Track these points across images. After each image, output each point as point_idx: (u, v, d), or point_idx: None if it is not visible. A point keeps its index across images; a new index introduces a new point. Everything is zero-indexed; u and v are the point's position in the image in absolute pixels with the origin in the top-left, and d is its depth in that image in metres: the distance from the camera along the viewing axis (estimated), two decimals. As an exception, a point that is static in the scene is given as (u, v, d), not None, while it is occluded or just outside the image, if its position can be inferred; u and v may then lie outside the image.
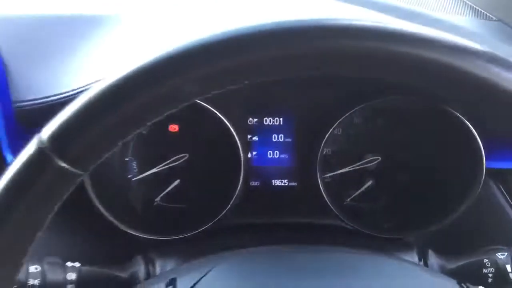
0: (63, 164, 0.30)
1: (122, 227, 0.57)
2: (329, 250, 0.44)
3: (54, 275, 0.47)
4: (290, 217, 0.68)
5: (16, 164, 0.31)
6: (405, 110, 0.66)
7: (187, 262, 0.48)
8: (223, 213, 0.62)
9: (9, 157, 0.53)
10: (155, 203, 0.69)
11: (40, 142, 0.31)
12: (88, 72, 0.55)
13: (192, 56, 0.30)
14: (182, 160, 0.68)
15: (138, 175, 0.67)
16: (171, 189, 0.68)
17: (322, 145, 0.62)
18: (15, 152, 0.54)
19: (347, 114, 0.62)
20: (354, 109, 0.62)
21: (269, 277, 0.39)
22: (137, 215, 0.65)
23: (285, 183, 0.70)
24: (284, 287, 0.37)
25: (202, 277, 0.37)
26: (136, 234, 0.59)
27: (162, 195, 0.68)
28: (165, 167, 0.68)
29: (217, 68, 0.30)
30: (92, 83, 0.55)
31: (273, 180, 0.70)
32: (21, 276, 0.48)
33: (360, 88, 0.63)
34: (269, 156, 0.69)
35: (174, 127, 0.68)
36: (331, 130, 0.62)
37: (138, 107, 0.31)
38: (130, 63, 0.31)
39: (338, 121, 0.62)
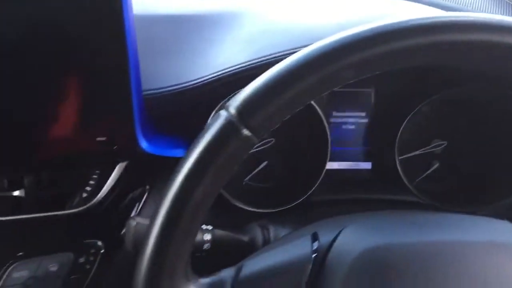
0: (247, 133, 0.39)
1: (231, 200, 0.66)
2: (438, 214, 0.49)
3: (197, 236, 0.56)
4: (368, 193, 0.76)
5: (205, 135, 0.39)
6: (471, 99, 0.74)
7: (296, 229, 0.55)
8: (311, 191, 0.70)
9: (143, 143, 0.62)
10: (244, 183, 0.77)
11: (228, 114, 0.39)
12: (207, 66, 0.64)
13: (351, 46, 0.38)
14: (269, 144, 0.76)
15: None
16: (259, 170, 0.77)
17: (400, 130, 0.70)
18: (147, 137, 0.63)
19: (424, 103, 0.70)
20: (431, 98, 0.70)
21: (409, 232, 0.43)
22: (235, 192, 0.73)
23: (363, 164, 0.78)
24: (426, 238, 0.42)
25: (341, 230, 0.44)
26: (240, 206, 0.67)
27: (251, 175, 0.77)
28: (254, 150, 0.76)
29: (368, 57, 0.39)
30: (209, 75, 0.64)
31: (352, 161, 0.78)
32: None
33: (435, 78, 0.71)
34: (349, 139, 0.78)
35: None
36: (408, 117, 0.70)
37: (307, 86, 0.39)
38: (300, 50, 0.39)
39: (415, 109, 0.70)
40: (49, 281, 0.61)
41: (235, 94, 0.44)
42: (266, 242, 0.60)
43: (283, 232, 0.61)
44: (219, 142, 0.39)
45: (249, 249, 0.59)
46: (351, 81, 0.40)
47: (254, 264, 0.44)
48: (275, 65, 0.39)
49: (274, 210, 0.68)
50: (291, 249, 0.44)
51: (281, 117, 0.40)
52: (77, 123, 0.59)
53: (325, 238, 0.44)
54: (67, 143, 0.60)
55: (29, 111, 0.57)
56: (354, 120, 0.79)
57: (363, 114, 0.78)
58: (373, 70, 0.39)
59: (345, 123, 0.79)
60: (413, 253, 0.41)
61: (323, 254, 0.43)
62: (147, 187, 0.68)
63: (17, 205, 0.65)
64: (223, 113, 0.40)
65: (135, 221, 0.53)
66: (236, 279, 0.42)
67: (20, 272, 0.60)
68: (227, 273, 0.44)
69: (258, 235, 0.60)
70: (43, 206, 0.64)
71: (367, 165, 0.79)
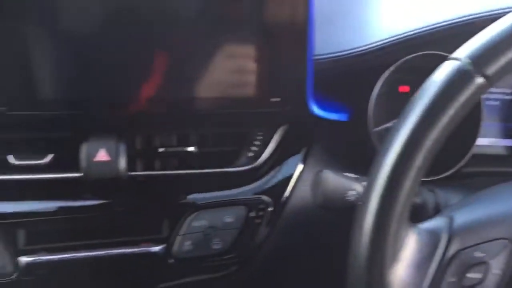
0: (482, 81, 0.40)
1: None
2: None
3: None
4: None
5: (435, 85, 0.41)
6: None
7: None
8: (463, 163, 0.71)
9: (314, 108, 0.64)
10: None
11: (462, 63, 0.40)
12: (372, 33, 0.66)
13: None
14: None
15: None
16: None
17: None
18: (315, 100, 0.65)
19: None
20: None
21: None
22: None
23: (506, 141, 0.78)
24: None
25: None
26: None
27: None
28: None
29: None
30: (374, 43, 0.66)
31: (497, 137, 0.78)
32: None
33: None
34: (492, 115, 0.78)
35: (404, 88, 0.77)
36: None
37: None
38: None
39: None
40: (225, 231, 0.65)
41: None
42: (437, 205, 0.61)
43: (452, 196, 0.62)
44: (452, 90, 0.40)
45: (421, 210, 0.61)
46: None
47: (466, 214, 0.45)
48: (505, 17, 0.41)
49: (433, 179, 0.69)
50: (503, 201, 0.45)
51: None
52: (254, 82, 0.62)
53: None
54: (242, 102, 0.63)
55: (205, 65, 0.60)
56: (498, 96, 0.78)
57: (509, 90, 0.78)
58: None
59: (488, 99, 0.78)
60: None
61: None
62: (304, 151, 0.70)
63: (186, 160, 0.69)
64: (452, 63, 0.41)
65: (325, 173, 0.56)
66: (451, 227, 0.44)
67: (199, 221, 0.65)
68: (439, 222, 0.45)
69: (429, 198, 0.62)
70: (211, 162, 0.68)
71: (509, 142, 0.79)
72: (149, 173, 0.66)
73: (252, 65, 0.62)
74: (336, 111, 0.68)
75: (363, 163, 0.53)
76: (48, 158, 0.65)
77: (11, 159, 0.64)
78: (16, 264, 0.62)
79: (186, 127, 0.69)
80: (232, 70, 0.61)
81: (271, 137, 0.68)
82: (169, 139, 0.69)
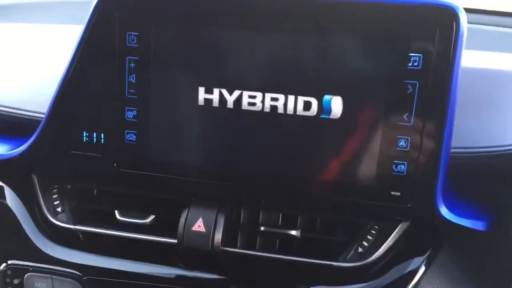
0: None
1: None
2: None
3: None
4: None
5: None
6: None
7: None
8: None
9: (441, 207, 0.54)
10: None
11: None
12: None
13: None
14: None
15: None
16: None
17: None
18: (445, 201, 0.55)
19: None
20: None
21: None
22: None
23: None
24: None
25: None
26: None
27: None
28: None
29: None
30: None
31: None
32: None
33: None
34: None
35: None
36: None
37: None
38: None
39: None
40: None
41: None
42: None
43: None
44: None
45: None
46: None
47: None
48: None
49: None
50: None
51: None
52: (376, 171, 0.55)
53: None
54: (359, 190, 0.56)
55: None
56: None
57: None
58: None
59: None
60: None
61: None
62: (427, 255, 0.59)
63: (287, 244, 0.63)
64: None
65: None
66: None
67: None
68: None
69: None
70: (314, 251, 0.61)
71: None
72: (245, 251, 0.61)
73: (378, 153, 0.54)
74: (471, 216, 0.57)
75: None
76: (150, 218, 0.64)
77: (117, 214, 0.65)
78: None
79: (294, 208, 0.63)
80: (357, 155, 0.55)
81: (389, 233, 0.59)
82: (273, 217, 0.63)
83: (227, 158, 0.58)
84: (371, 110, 0.54)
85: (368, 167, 0.55)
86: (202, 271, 0.62)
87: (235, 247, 0.62)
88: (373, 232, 0.60)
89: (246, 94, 0.56)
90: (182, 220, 0.60)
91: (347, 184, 0.56)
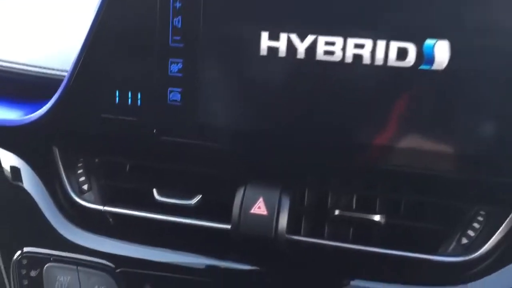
0: None
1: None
2: None
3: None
4: None
5: None
6: None
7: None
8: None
9: None
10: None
11: None
12: None
13: None
14: None
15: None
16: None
17: None
18: None
19: None
20: None
21: None
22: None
23: None
24: None
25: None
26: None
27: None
28: None
29: None
30: None
31: None
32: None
33: None
34: None
35: None
36: None
37: None
38: None
39: None
40: None
41: None
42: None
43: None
44: None
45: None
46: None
47: None
48: None
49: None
50: None
51: None
52: (492, 139, 0.42)
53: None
54: (466, 163, 0.43)
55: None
56: None
57: None
58: None
59: None
60: None
61: None
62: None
63: (366, 233, 0.51)
64: None
65: None
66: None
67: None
68: None
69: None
70: (401, 241, 0.48)
71: None
72: (314, 240, 0.49)
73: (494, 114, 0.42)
74: None
75: None
76: (196, 199, 0.53)
77: (156, 194, 0.53)
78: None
79: (374, 188, 0.51)
80: (467, 118, 0.43)
81: (501, 220, 0.47)
82: (346, 200, 0.51)
83: (296, 124, 0.46)
84: (487, 59, 0.41)
85: (483, 133, 0.42)
86: (260, 263, 0.50)
87: (302, 235, 0.51)
88: (480, 219, 0.48)
89: (321, 39, 0.44)
90: (237, 200, 0.49)
91: (451, 155, 0.44)
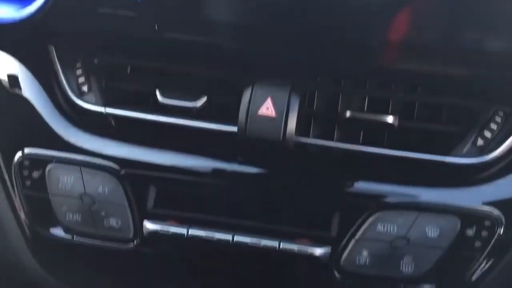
0: None
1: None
2: None
3: None
4: None
5: None
6: None
7: None
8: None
9: None
10: None
11: None
12: None
13: None
14: None
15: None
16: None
17: None
18: None
19: None
20: None
21: None
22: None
23: None
24: None
25: None
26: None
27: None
28: None
29: None
30: None
31: None
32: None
33: None
34: None
35: None
36: None
37: None
38: None
39: None
40: (423, 249, 0.44)
41: None
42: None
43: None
44: None
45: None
46: None
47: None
48: None
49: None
50: None
51: None
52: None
53: None
54: (483, 58, 0.41)
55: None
56: None
57: None
58: None
59: None
60: None
61: None
62: None
63: (377, 134, 0.49)
64: None
65: None
66: None
67: (386, 226, 0.44)
68: None
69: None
70: (414, 142, 0.47)
71: None
72: (324, 142, 0.48)
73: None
74: None
75: None
76: (201, 101, 0.50)
77: (159, 95, 0.51)
78: (139, 229, 0.49)
79: (387, 89, 0.48)
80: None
81: None
82: (358, 102, 0.49)
83: (307, 19, 0.43)
84: None
85: (504, 27, 0.39)
86: (267, 166, 0.49)
87: (311, 137, 0.49)
88: (498, 120, 0.46)
89: None
90: (244, 101, 0.47)
91: (471, 51, 0.41)
